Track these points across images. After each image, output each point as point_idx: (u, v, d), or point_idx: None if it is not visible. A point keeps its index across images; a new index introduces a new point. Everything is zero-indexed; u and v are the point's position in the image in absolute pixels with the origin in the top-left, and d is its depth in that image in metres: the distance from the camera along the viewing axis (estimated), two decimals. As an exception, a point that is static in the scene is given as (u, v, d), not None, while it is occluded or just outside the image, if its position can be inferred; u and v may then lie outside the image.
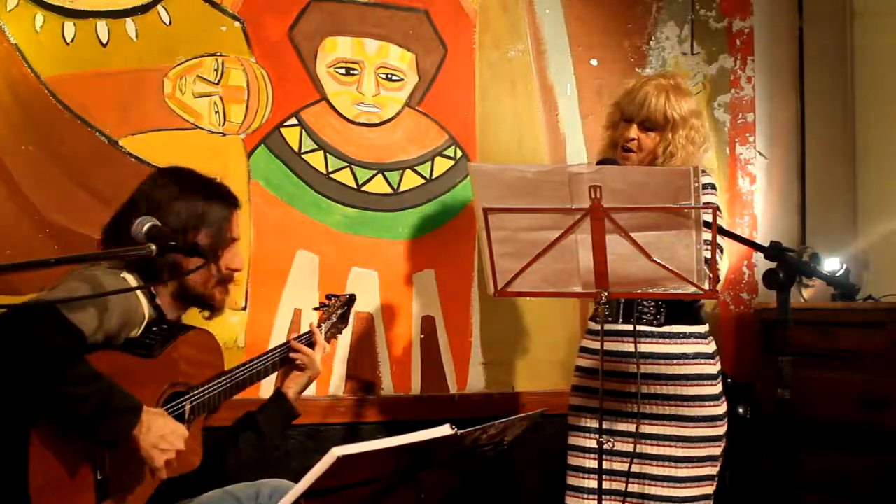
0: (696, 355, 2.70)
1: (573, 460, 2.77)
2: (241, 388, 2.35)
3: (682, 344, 2.70)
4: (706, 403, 2.67)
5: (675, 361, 2.68)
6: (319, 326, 2.54)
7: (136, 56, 2.99)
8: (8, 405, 1.94)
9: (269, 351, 2.44)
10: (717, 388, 2.70)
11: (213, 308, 2.36)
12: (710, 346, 2.75)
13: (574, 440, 2.78)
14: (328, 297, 2.67)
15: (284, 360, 2.46)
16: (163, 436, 2.04)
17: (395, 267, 3.32)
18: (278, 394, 2.48)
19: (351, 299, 2.69)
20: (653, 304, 2.71)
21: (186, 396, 2.19)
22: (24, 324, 1.90)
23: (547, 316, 3.49)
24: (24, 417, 1.93)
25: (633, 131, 2.69)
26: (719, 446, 2.70)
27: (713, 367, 2.71)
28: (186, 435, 2.10)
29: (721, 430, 2.70)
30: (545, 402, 2.90)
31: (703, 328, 2.75)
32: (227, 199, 2.35)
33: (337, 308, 2.64)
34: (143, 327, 2.19)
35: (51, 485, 1.94)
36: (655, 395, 2.67)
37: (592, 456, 2.70)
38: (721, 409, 2.70)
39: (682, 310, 2.71)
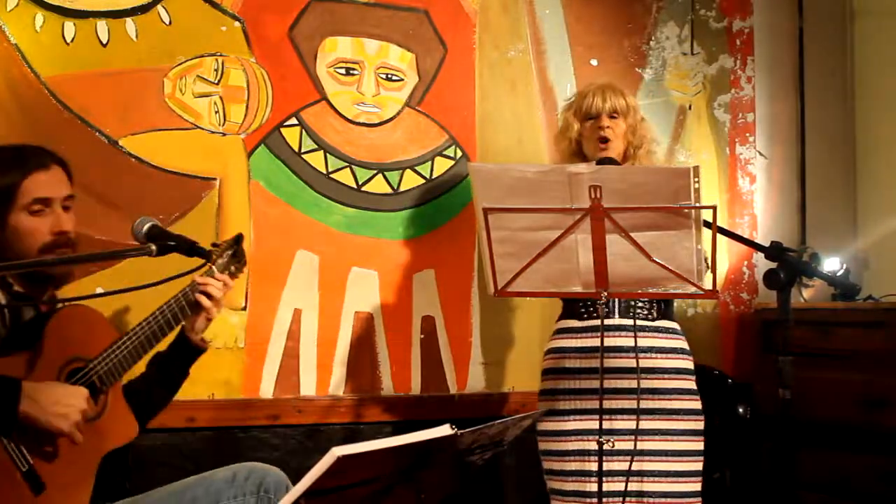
0: (682, 350, 2.78)
1: (552, 464, 2.76)
2: (156, 342, 2.25)
3: (671, 339, 2.76)
4: (693, 397, 2.74)
5: (670, 355, 2.74)
6: (210, 271, 2.38)
7: (136, 56, 2.99)
8: None
9: (171, 298, 2.29)
10: (695, 384, 2.78)
11: (61, 279, 2.25)
12: (686, 342, 2.82)
13: (553, 445, 2.76)
14: (213, 244, 2.49)
15: (187, 307, 2.31)
16: (56, 401, 1.96)
17: (395, 267, 3.31)
18: (182, 339, 2.37)
19: (236, 238, 2.52)
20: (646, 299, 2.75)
21: (88, 369, 2.11)
22: None
23: (547, 316, 3.48)
24: None
25: (605, 121, 2.80)
26: (703, 441, 2.75)
27: (692, 363, 2.80)
28: (84, 394, 2.03)
29: (703, 424, 2.76)
30: (545, 402, 2.90)
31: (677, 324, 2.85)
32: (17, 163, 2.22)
33: (224, 250, 2.46)
34: (7, 327, 2.11)
35: None
36: (654, 390, 2.69)
37: (571, 459, 2.70)
38: (700, 403, 2.77)
39: (667, 305, 2.79)
